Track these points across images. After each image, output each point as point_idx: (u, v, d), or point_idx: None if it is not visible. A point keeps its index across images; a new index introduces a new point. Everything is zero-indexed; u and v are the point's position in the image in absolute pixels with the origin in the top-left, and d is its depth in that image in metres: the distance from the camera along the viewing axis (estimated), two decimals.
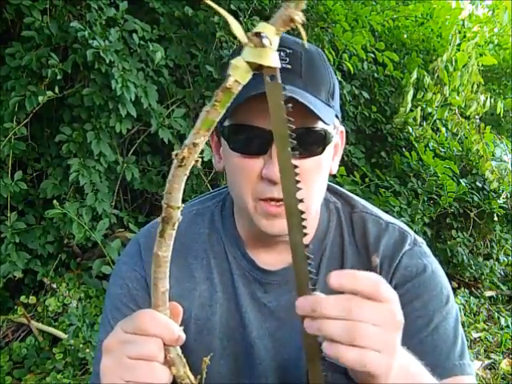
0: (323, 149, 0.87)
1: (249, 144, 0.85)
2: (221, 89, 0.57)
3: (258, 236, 0.92)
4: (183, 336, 0.67)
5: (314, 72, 0.87)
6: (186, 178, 0.59)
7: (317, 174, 0.88)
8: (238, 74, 0.57)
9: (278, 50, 0.83)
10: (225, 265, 0.98)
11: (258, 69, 0.58)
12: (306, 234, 0.64)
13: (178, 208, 0.60)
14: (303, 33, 0.58)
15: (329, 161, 0.92)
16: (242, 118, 0.84)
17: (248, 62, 0.57)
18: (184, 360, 0.68)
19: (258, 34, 0.56)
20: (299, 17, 0.55)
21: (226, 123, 0.87)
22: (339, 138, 0.97)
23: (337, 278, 0.62)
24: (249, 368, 0.95)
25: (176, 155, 0.58)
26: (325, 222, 0.99)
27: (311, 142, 0.85)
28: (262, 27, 0.57)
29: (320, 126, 0.85)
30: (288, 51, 0.85)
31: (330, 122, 0.86)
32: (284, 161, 0.63)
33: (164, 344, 0.66)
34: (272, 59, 0.58)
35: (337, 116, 0.92)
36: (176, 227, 0.62)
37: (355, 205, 1.02)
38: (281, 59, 0.82)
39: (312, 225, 0.97)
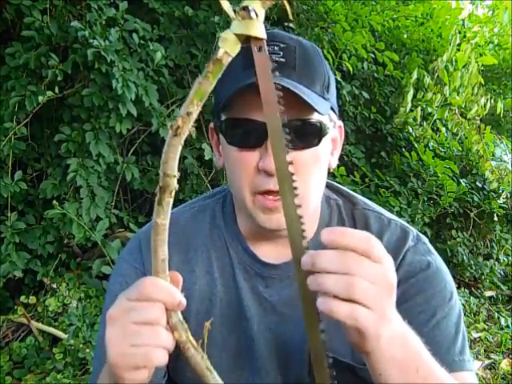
0: (319, 140, 0.87)
1: (245, 137, 0.86)
2: (212, 61, 0.60)
3: (258, 230, 0.93)
4: (184, 301, 0.68)
5: (309, 65, 0.87)
6: (181, 147, 0.62)
7: (314, 166, 0.88)
8: (228, 46, 0.60)
9: (273, 45, 0.86)
10: (226, 259, 0.98)
11: (246, 40, 0.62)
12: (297, 195, 0.66)
13: (175, 176, 0.63)
14: (288, 8, 0.62)
15: (326, 154, 0.92)
16: (238, 111, 0.85)
17: (236, 35, 0.61)
18: (186, 325, 0.68)
19: (244, 8, 0.60)
20: None
21: (223, 117, 0.88)
22: (337, 133, 0.97)
23: (329, 233, 0.63)
24: (249, 361, 0.96)
25: (171, 126, 0.61)
26: (326, 219, 0.99)
27: (307, 134, 0.86)
28: (249, 1, 0.60)
29: (315, 117, 0.85)
30: (282, 45, 0.85)
31: (325, 113, 0.87)
32: (272, 121, 0.66)
33: (166, 310, 0.67)
34: (259, 30, 0.62)
35: (333, 110, 0.92)
36: (173, 195, 0.64)
37: (357, 202, 1.02)
38: (275, 53, 0.85)
39: (313, 220, 0.97)
